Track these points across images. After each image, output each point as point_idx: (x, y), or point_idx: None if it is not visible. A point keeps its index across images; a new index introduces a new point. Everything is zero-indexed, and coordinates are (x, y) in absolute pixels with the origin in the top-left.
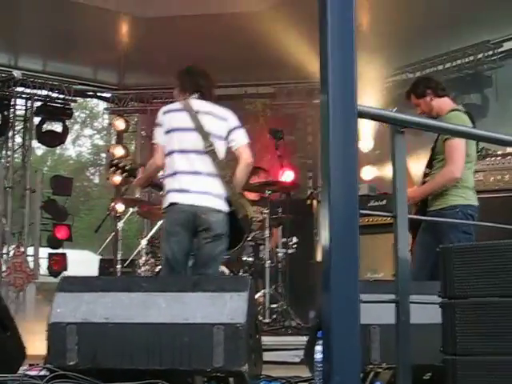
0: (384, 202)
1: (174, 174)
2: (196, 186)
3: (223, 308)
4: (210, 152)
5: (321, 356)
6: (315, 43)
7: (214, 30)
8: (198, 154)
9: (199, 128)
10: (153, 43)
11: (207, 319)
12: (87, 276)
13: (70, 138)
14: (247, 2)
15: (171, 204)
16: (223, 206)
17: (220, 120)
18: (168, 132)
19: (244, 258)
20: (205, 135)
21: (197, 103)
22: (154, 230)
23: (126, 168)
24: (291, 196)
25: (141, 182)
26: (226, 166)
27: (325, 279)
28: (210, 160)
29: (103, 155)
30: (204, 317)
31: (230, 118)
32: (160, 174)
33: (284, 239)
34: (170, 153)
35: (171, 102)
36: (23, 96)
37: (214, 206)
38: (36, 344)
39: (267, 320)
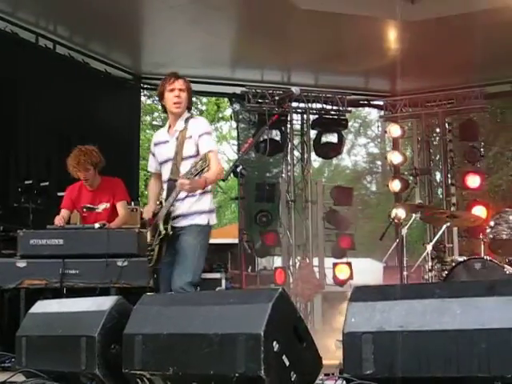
0: None
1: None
2: None
3: None
4: None
5: None
6: None
7: (483, 27)
8: None
9: None
10: (422, 46)
11: (504, 324)
12: (379, 285)
13: (345, 148)
14: None
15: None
16: None
17: None
18: None
19: None
20: None
21: None
22: (438, 235)
23: None
24: None
25: None
26: None
27: None
28: None
29: (379, 163)
30: (501, 321)
31: None
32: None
33: None
34: None
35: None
36: (299, 111)
37: None
38: (325, 353)
39: None
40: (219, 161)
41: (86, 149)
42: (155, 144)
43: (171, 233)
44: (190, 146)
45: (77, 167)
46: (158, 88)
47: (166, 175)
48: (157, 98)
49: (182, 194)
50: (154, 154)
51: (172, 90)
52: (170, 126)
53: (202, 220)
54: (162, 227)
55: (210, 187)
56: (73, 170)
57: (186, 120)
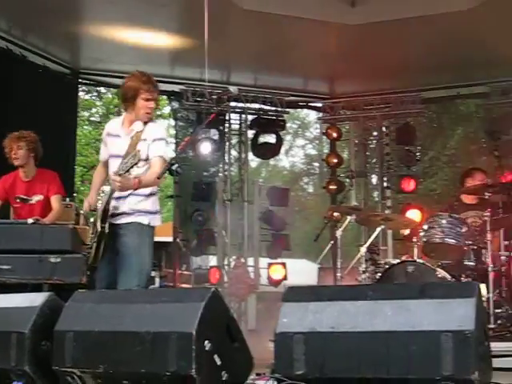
0: None
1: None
2: None
3: (451, 315)
4: None
5: None
6: None
7: (422, 33)
8: None
9: None
10: (362, 50)
11: (435, 326)
12: (312, 285)
13: (282, 148)
14: (455, 2)
15: None
16: None
17: None
18: None
19: (465, 263)
20: None
21: None
22: (372, 237)
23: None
24: None
25: None
26: None
27: None
28: None
29: (316, 164)
30: (431, 324)
31: None
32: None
33: (506, 242)
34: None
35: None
36: (237, 110)
37: None
38: (258, 353)
39: (492, 325)
40: (163, 170)
41: (24, 131)
42: (108, 134)
43: (107, 231)
44: (143, 148)
45: (9, 143)
46: (125, 83)
47: (112, 171)
48: (95, 94)
49: (126, 192)
50: (106, 144)
51: (149, 100)
52: (124, 122)
53: (145, 219)
54: (98, 225)
55: (155, 189)
56: (7, 147)
57: (145, 122)
